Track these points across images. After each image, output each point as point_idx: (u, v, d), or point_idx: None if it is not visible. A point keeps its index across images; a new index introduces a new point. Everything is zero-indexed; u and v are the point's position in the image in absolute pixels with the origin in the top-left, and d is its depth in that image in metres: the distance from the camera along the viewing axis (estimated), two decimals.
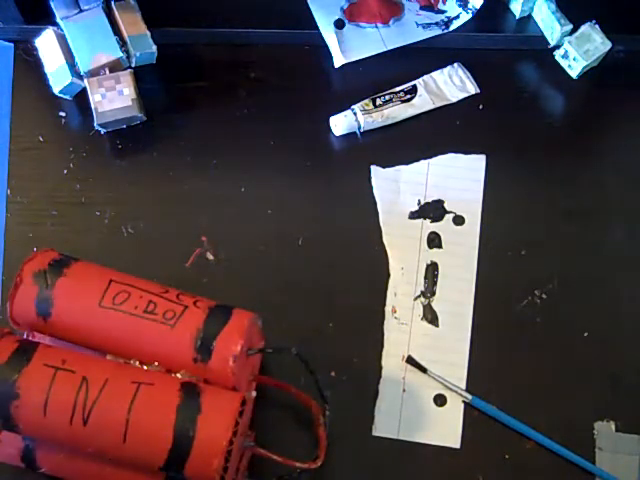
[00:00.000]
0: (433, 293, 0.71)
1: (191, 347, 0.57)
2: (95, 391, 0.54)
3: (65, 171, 0.75)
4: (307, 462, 0.61)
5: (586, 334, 0.70)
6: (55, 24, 0.76)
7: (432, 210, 0.74)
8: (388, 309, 0.71)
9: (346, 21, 0.80)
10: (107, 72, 0.74)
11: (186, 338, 0.57)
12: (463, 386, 0.68)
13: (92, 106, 0.74)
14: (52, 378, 0.55)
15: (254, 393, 0.62)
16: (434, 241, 0.73)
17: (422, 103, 0.78)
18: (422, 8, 0.81)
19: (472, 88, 0.79)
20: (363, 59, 0.78)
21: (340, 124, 0.76)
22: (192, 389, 0.56)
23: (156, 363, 0.58)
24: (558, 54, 0.79)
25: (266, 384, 0.65)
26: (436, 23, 0.80)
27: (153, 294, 0.59)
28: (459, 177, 0.75)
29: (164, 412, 0.54)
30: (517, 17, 0.80)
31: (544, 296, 0.71)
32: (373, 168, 0.76)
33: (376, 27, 0.80)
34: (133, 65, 0.75)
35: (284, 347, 0.61)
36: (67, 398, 0.54)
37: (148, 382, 0.55)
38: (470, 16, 0.79)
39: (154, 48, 0.75)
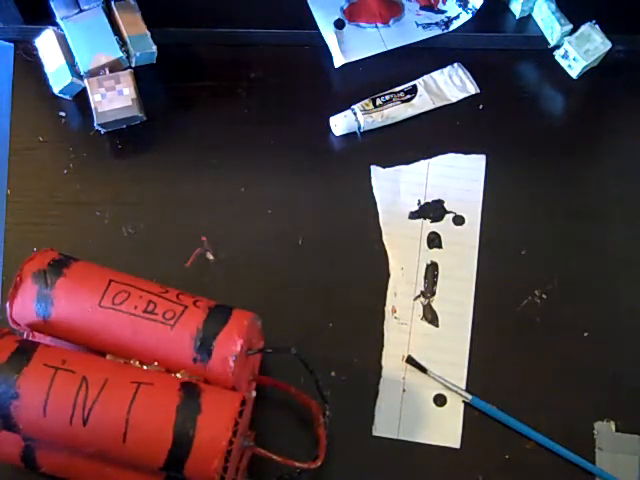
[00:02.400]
0: (433, 293, 0.71)
1: (191, 347, 0.57)
2: (95, 391, 0.54)
3: (65, 171, 0.75)
4: (307, 462, 0.61)
5: (586, 334, 0.70)
6: (55, 24, 0.76)
7: (432, 210, 0.74)
8: (388, 309, 0.71)
9: (346, 21, 0.80)
10: (107, 72, 0.74)
11: (186, 338, 0.57)
12: (463, 386, 0.68)
13: (92, 106, 0.74)
14: (52, 378, 0.55)
15: (254, 393, 0.62)
16: (434, 241, 0.73)
17: (422, 103, 0.78)
18: (422, 8, 0.81)
19: (472, 88, 0.79)
20: (363, 59, 0.78)
21: (340, 124, 0.76)
22: (192, 389, 0.56)
23: (156, 363, 0.58)
24: (558, 54, 0.79)
25: (266, 384, 0.65)
26: (436, 23, 0.80)
27: (153, 294, 0.59)
28: (459, 177, 0.75)
29: (164, 412, 0.54)
30: (517, 17, 0.80)
31: (544, 296, 0.71)
32: (373, 168, 0.76)
33: (376, 27, 0.80)
34: (133, 65, 0.75)
35: (284, 347, 0.61)
36: (67, 398, 0.54)
37: (148, 382, 0.55)
38: (470, 16, 0.79)
39: (154, 48, 0.75)
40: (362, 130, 0.76)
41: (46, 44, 0.76)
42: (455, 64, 0.80)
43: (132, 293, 0.58)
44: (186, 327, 0.57)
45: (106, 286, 0.59)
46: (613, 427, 0.67)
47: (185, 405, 0.54)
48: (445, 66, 0.80)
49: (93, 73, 0.74)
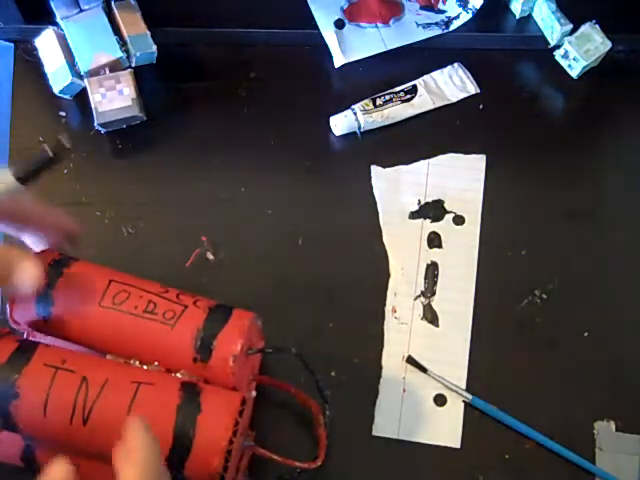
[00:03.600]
0: (433, 293, 0.71)
1: (191, 347, 0.57)
2: (95, 391, 0.54)
3: (65, 171, 0.75)
4: (307, 462, 0.61)
5: (586, 334, 0.70)
6: (55, 24, 0.76)
7: (432, 210, 0.74)
8: (388, 309, 0.71)
9: (346, 21, 0.80)
10: (107, 72, 0.74)
11: (186, 338, 0.57)
12: (463, 386, 0.68)
13: (92, 106, 0.74)
14: (52, 378, 0.55)
15: (254, 393, 0.62)
16: (434, 241, 0.73)
17: (422, 103, 0.78)
18: (422, 8, 0.81)
19: (472, 88, 0.79)
20: (363, 59, 0.78)
21: (340, 124, 0.76)
22: (192, 389, 0.56)
23: (156, 363, 0.58)
24: (558, 54, 0.79)
25: (266, 384, 0.65)
26: (436, 23, 0.80)
27: (153, 294, 0.59)
28: (459, 177, 0.75)
29: (164, 412, 0.54)
30: (517, 17, 0.80)
31: (544, 296, 0.71)
32: (373, 168, 0.76)
33: (376, 27, 0.80)
34: (133, 65, 0.75)
35: (284, 347, 0.61)
36: (67, 398, 0.54)
37: (148, 382, 0.55)
38: (470, 16, 0.79)
39: (154, 48, 0.75)
40: (362, 130, 0.76)
41: (46, 44, 0.76)
42: (455, 64, 0.80)
43: (132, 293, 0.58)
44: (186, 327, 0.57)
45: (106, 286, 0.59)
46: (613, 427, 0.67)
47: (185, 405, 0.54)
48: (445, 66, 0.80)
49: (93, 73, 0.74)
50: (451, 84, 0.79)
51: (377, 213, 0.74)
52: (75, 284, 0.59)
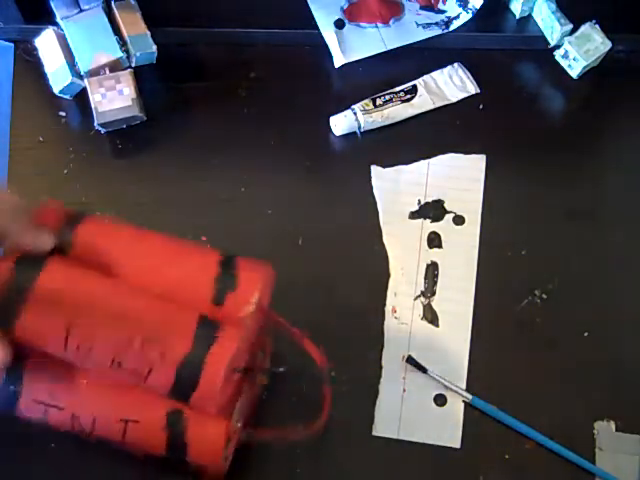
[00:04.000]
0: (433, 293, 0.71)
1: (165, 399, 0.54)
2: (87, 428, 0.56)
3: (65, 171, 0.75)
4: (304, 430, 0.59)
5: (586, 334, 0.70)
6: (55, 24, 0.76)
7: (432, 210, 0.74)
8: (388, 309, 0.71)
9: (346, 21, 0.80)
10: (107, 72, 0.74)
11: (159, 391, 0.54)
12: (463, 386, 0.68)
13: (92, 106, 0.74)
14: (44, 413, 0.56)
15: (240, 424, 0.60)
16: (434, 241, 0.73)
17: (422, 103, 0.78)
18: (422, 8, 0.81)
19: (472, 88, 0.79)
20: (363, 59, 0.78)
21: (340, 124, 0.76)
22: (177, 421, 0.56)
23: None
24: (558, 54, 0.79)
25: (280, 327, 0.63)
26: (436, 23, 0.80)
27: (116, 346, 0.53)
28: (459, 177, 0.75)
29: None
30: (517, 17, 0.80)
31: (544, 296, 0.71)
32: (373, 168, 0.76)
33: (376, 27, 0.80)
34: (133, 65, 0.75)
35: (274, 368, 0.61)
36: (64, 427, 0.57)
37: (134, 420, 0.56)
38: (470, 16, 0.79)
39: (154, 48, 0.75)
40: (362, 130, 0.76)
41: (46, 44, 0.76)
42: (455, 64, 0.80)
43: (94, 346, 0.53)
44: (156, 388, 0.54)
45: (65, 337, 0.52)
46: (613, 427, 0.67)
47: (172, 439, 0.56)
48: (445, 66, 0.80)
49: (93, 73, 0.74)
50: (451, 84, 0.79)
51: (377, 213, 0.74)
52: (34, 328, 0.53)
